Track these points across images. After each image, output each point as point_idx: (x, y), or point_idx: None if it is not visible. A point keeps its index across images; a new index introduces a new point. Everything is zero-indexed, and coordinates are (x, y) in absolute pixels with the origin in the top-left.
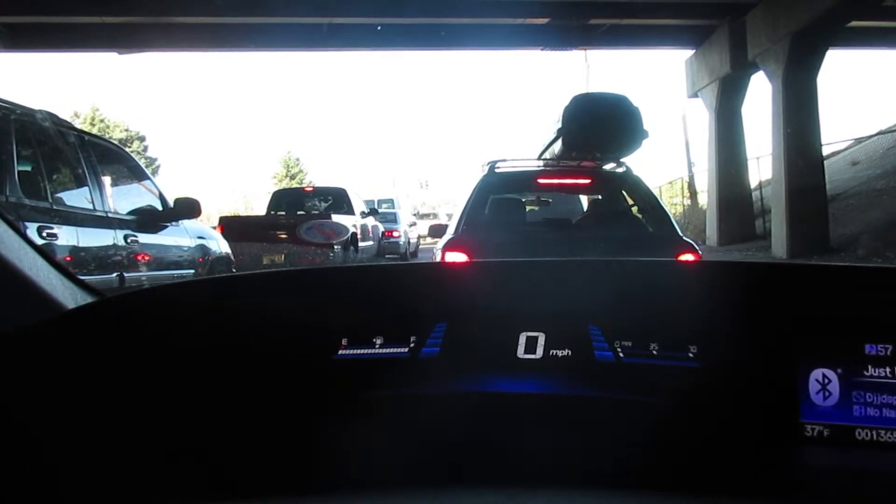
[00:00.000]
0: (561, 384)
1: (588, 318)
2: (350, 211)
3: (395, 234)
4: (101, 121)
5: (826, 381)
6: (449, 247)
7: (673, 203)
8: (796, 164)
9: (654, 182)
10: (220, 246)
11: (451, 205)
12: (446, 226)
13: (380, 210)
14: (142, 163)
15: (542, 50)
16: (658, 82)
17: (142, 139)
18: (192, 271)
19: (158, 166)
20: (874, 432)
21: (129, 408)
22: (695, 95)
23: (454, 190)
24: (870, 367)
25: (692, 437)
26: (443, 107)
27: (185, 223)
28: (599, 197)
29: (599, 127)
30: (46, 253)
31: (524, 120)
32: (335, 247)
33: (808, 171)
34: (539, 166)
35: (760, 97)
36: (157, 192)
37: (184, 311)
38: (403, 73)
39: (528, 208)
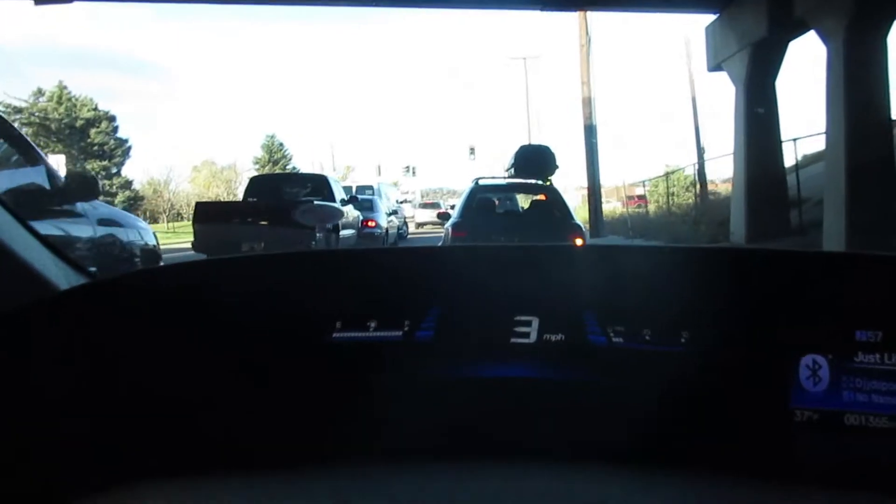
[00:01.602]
0: (554, 368)
1: (581, 303)
2: (331, 198)
3: (370, 223)
4: (69, 99)
5: (816, 366)
6: (454, 225)
7: (672, 195)
8: (860, 141)
9: (647, 174)
10: (144, 236)
11: (439, 193)
12: (449, 214)
13: (359, 198)
14: (111, 144)
15: (541, 10)
16: (663, 63)
17: (111, 119)
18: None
19: (129, 147)
20: (863, 417)
21: (120, 389)
22: (717, 68)
23: (441, 178)
24: (860, 353)
25: (683, 421)
26: (430, 92)
27: (88, 207)
28: (536, 197)
29: (530, 164)
30: (38, 233)
31: (514, 104)
32: (317, 234)
33: (875, 148)
34: (504, 181)
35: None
36: (47, 169)
37: (177, 292)
38: (391, 54)
39: (496, 203)
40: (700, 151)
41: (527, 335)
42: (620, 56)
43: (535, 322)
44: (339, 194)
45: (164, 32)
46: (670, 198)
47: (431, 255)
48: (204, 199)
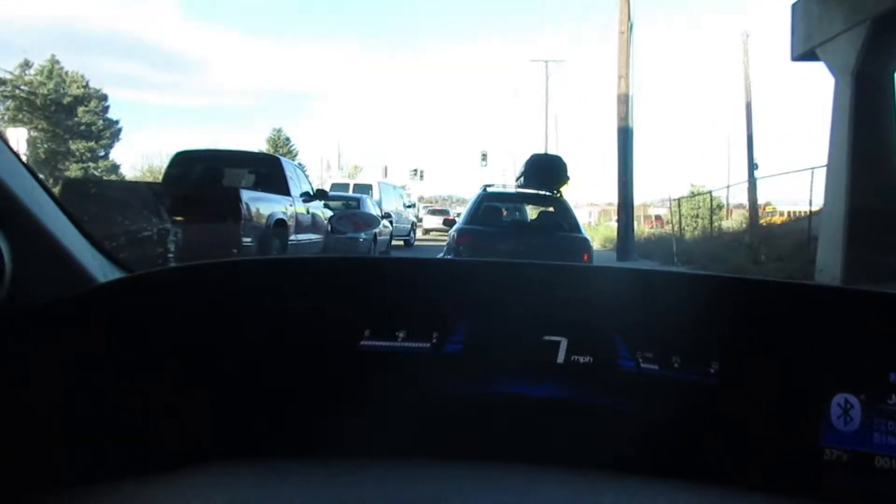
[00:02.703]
0: (582, 390)
1: (611, 326)
2: (283, 188)
3: None
4: (59, 74)
5: (849, 406)
6: (459, 231)
7: (696, 217)
8: None
9: (666, 192)
10: None
11: (448, 201)
12: (455, 221)
13: (344, 196)
14: (100, 125)
15: None
16: (697, 64)
17: (102, 98)
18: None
19: (119, 130)
20: (893, 461)
21: (155, 383)
22: (808, 56)
23: (451, 186)
24: (893, 395)
25: (709, 453)
26: (445, 94)
27: None
28: (544, 209)
29: (541, 174)
30: (80, 224)
31: (532, 110)
32: (246, 239)
33: None
34: (513, 189)
35: None
36: None
37: (211, 290)
38: (406, 53)
39: (503, 212)
40: (751, 167)
41: (555, 355)
42: (648, 57)
43: (564, 343)
44: (299, 185)
45: (187, 26)
46: (699, 220)
47: (462, 269)
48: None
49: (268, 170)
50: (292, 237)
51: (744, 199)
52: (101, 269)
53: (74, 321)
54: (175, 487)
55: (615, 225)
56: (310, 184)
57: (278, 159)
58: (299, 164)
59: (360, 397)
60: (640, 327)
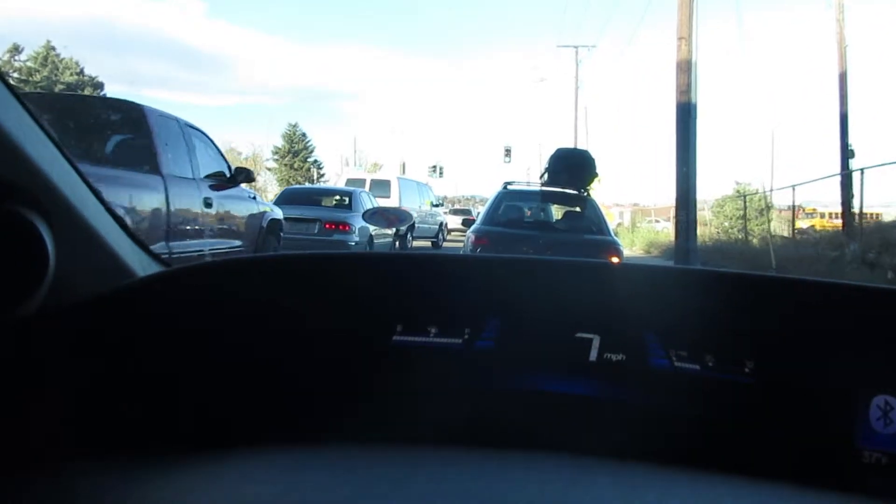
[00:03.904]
0: (615, 388)
1: (643, 324)
2: (146, 156)
3: (343, 227)
4: (53, 61)
5: (888, 408)
6: (476, 232)
7: (739, 219)
8: None
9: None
10: None
11: (472, 201)
12: (474, 221)
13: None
14: None
15: None
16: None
17: (97, 86)
18: None
19: None
20: None
21: (194, 377)
22: None
23: (473, 183)
24: None
25: (742, 453)
26: (466, 86)
27: None
28: (570, 209)
29: (567, 170)
30: (120, 217)
31: (560, 101)
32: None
33: None
34: (536, 188)
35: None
36: None
37: (249, 285)
38: (424, 52)
39: (525, 212)
40: (846, 155)
41: (587, 353)
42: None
43: (596, 340)
44: (195, 160)
45: (214, 24)
46: (748, 222)
47: (493, 264)
48: None
49: (123, 126)
50: (161, 245)
51: (780, 201)
52: (140, 264)
53: (116, 314)
54: (214, 470)
55: (658, 227)
56: (225, 162)
57: (141, 108)
58: (204, 135)
59: (392, 392)
60: (672, 325)
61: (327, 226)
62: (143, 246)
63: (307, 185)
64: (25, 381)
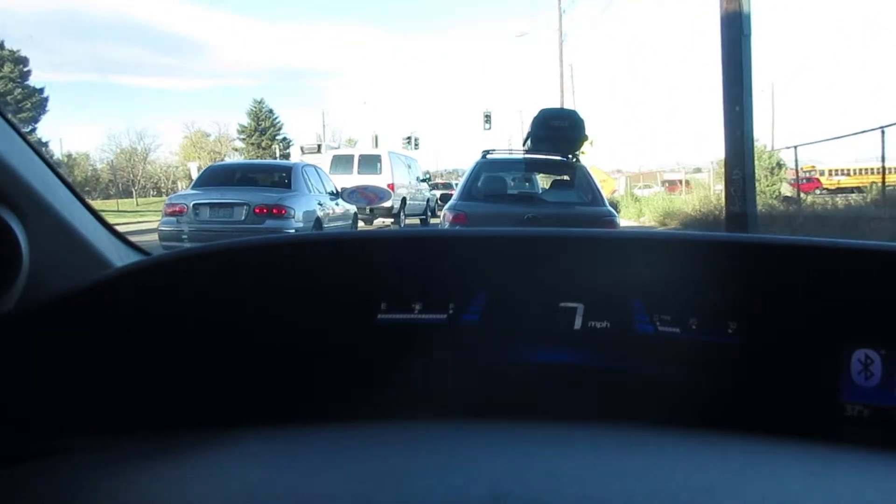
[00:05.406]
0: (600, 356)
1: (627, 290)
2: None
3: (277, 210)
4: None
5: (869, 361)
6: (452, 208)
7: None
8: None
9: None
10: None
11: (454, 174)
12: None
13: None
14: (17, 94)
15: None
16: None
17: (19, 62)
18: None
19: (45, 99)
20: None
21: (176, 364)
22: None
23: (452, 155)
24: None
25: (728, 413)
26: (437, 51)
27: None
28: (557, 178)
29: (552, 133)
30: (94, 210)
31: (543, 61)
32: None
33: None
34: (519, 155)
35: None
36: None
37: (231, 269)
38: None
39: (508, 183)
40: None
41: (572, 322)
42: None
43: (581, 308)
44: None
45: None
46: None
47: (476, 239)
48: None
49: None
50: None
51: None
52: (117, 254)
53: (95, 306)
54: (199, 455)
55: (672, 195)
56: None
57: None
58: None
59: (378, 369)
60: (656, 291)
61: (257, 210)
62: (120, 236)
63: (235, 160)
64: (5, 378)
